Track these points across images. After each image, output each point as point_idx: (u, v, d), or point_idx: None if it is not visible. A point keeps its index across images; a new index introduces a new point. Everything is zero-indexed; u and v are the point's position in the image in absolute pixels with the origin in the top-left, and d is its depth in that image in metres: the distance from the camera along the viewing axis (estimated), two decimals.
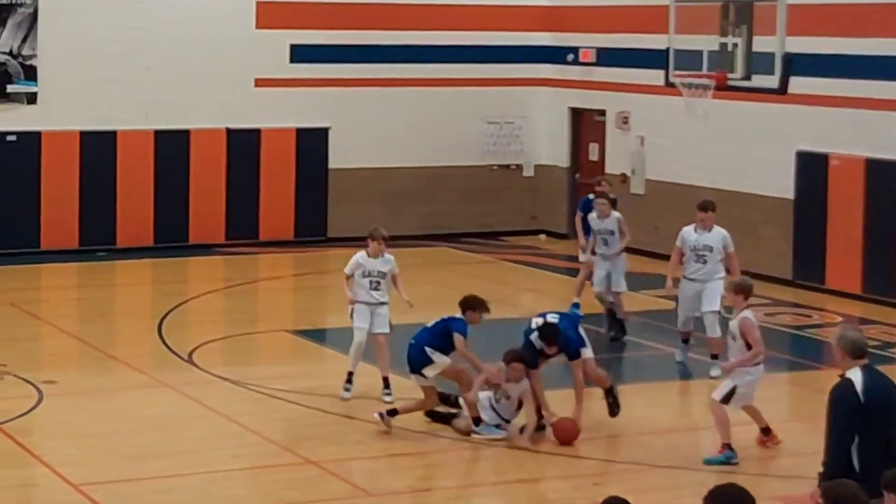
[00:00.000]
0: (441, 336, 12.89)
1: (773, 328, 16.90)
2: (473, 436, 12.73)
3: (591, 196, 17.66)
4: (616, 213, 16.73)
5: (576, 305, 17.32)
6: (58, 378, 14.63)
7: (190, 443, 12.61)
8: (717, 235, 15.19)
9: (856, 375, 8.39)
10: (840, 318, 17.94)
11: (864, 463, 8.30)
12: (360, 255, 14.13)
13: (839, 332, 8.58)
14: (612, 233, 16.59)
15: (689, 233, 15.29)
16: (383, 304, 14.05)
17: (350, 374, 13.94)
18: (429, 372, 12.85)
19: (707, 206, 15.34)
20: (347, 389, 13.92)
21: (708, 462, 12.23)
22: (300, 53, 23.19)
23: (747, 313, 12.52)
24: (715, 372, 14.69)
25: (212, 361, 15.42)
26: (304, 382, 14.53)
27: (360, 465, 12.18)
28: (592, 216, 16.83)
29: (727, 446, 12.29)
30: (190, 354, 15.66)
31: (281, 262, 22.02)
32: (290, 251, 22.56)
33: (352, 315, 14.03)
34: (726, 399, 12.36)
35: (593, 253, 16.85)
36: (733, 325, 12.54)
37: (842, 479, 7.47)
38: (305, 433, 12.88)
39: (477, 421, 12.81)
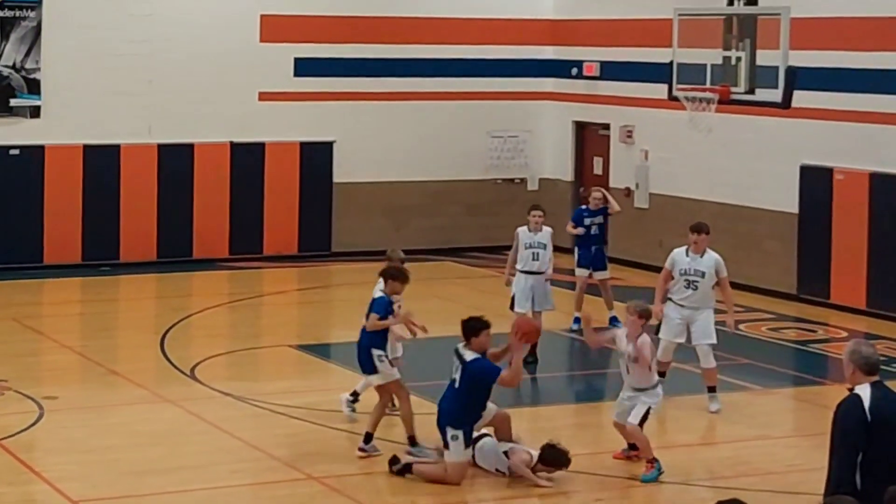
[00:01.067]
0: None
1: (778, 343, 16.81)
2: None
3: (583, 207, 17.94)
4: (548, 228, 16.30)
5: (576, 320, 17.21)
6: (59, 393, 14.55)
7: (191, 458, 12.50)
8: (710, 260, 14.27)
9: (864, 392, 8.23)
10: (845, 333, 17.85)
11: (867, 482, 8.15)
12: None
13: (851, 347, 8.41)
14: (544, 247, 16.18)
15: (680, 255, 14.36)
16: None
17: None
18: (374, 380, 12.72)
19: (700, 228, 14.42)
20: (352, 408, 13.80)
21: (646, 480, 12.10)
22: (304, 67, 23.15)
23: (646, 337, 12.39)
24: (714, 406, 14.28)
25: (214, 376, 15.34)
26: (306, 398, 14.44)
27: (361, 482, 12.06)
28: (523, 228, 16.37)
29: (654, 460, 12.23)
30: (192, 369, 15.57)
31: (285, 277, 21.96)
32: (295, 265, 22.49)
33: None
34: (642, 421, 12.33)
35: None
36: (630, 348, 12.28)
37: (841, 496, 7.36)
38: (307, 449, 12.78)
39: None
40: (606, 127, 23.62)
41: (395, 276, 13.13)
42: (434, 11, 23.90)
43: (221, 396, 14.54)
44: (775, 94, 19.55)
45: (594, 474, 12.36)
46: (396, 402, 13.00)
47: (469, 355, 12.06)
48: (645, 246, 20.28)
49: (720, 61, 20.59)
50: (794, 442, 13.69)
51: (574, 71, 24.19)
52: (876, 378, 8.23)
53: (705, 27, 20.97)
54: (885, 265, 18.66)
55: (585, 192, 18.65)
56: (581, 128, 24.31)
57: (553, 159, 24.53)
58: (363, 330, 12.95)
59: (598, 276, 17.85)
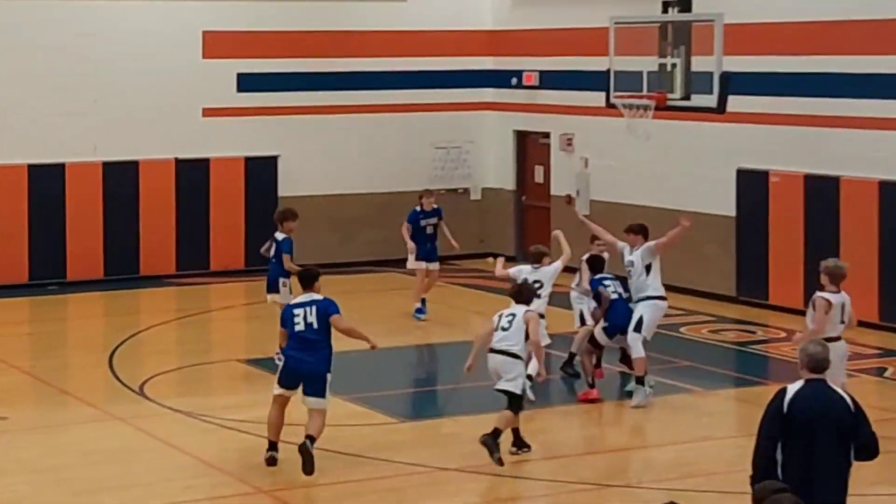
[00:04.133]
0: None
1: (718, 345, 16.94)
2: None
3: (418, 209, 19.39)
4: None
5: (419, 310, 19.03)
6: (8, 414, 14.46)
7: (142, 476, 12.48)
8: (639, 251, 14.91)
9: (794, 387, 8.45)
10: (783, 334, 18.01)
11: (786, 474, 8.37)
12: None
13: (802, 345, 8.67)
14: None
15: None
16: None
17: None
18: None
19: (630, 229, 15.21)
20: None
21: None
22: (247, 83, 23.14)
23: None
24: (636, 399, 14.64)
25: (164, 393, 15.30)
26: (256, 412, 14.31)
27: (312, 493, 12.09)
28: None
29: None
30: (141, 386, 15.53)
31: (232, 292, 21.90)
32: (242, 280, 22.41)
33: None
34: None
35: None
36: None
37: (766, 482, 7.50)
38: (258, 462, 12.71)
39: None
40: (547, 135, 23.74)
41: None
42: (375, 25, 23.94)
43: (171, 413, 14.51)
44: (710, 100, 19.69)
45: (539, 480, 12.44)
46: None
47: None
48: (586, 251, 20.26)
49: (656, 68, 20.75)
50: (737, 442, 13.73)
51: (514, 81, 24.30)
52: (817, 376, 8.38)
53: (641, 35, 21.11)
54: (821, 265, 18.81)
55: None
56: (522, 137, 24.42)
57: (495, 169, 24.63)
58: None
59: (431, 266, 19.37)
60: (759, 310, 19.53)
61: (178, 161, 22.64)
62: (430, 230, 19.45)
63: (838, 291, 12.98)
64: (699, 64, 20.05)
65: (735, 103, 19.60)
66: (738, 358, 17.16)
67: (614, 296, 15.01)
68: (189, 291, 21.76)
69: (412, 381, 16.83)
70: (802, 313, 18.71)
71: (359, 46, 23.78)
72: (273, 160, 23.26)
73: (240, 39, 23.10)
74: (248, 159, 23.10)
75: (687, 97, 20.26)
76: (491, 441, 12.49)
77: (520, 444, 12.94)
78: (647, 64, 20.73)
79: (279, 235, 16.52)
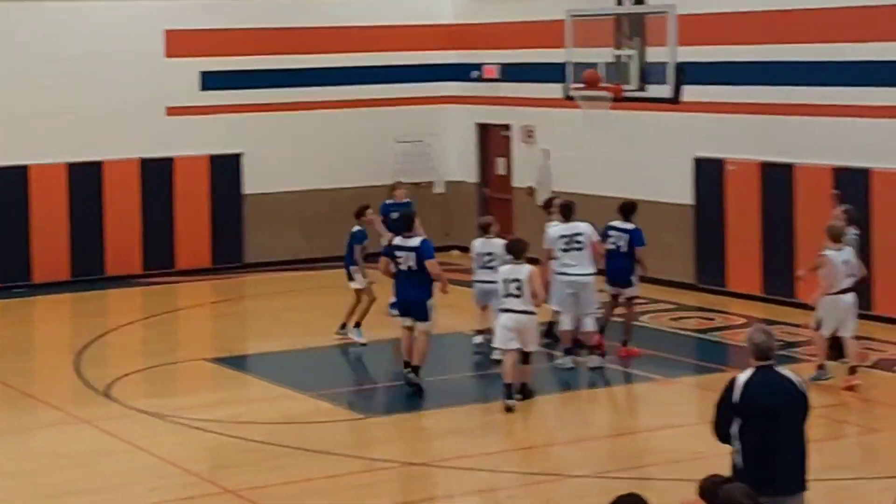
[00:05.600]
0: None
1: (679, 333, 16.95)
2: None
3: (388, 201, 19.00)
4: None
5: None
6: None
7: (109, 478, 12.33)
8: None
9: (744, 375, 8.52)
10: (743, 320, 18.01)
11: (744, 460, 8.46)
12: None
13: (749, 333, 8.70)
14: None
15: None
16: None
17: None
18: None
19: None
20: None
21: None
22: (210, 81, 22.97)
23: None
24: (593, 363, 15.51)
25: (131, 394, 15.13)
26: (223, 411, 14.35)
27: (278, 491, 11.96)
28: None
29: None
30: (108, 388, 15.37)
31: (199, 291, 21.72)
32: (208, 279, 22.26)
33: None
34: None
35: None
36: None
37: (712, 476, 7.48)
38: (224, 462, 12.71)
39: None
40: (508, 128, 23.68)
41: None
42: (336, 21, 23.82)
43: (138, 414, 14.35)
44: (666, 90, 19.73)
45: (505, 472, 12.40)
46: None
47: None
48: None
49: (612, 60, 20.75)
50: (698, 430, 13.69)
51: (475, 74, 24.22)
52: (765, 363, 8.39)
53: (597, 27, 21.11)
54: (777, 252, 18.86)
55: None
56: (484, 130, 24.35)
57: (458, 162, 24.56)
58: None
59: None
60: (717, 297, 19.53)
61: (142, 161, 22.45)
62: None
63: (840, 249, 14.44)
64: (654, 55, 20.09)
65: (690, 93, 19.63)
66: (699, 345, 17.15)
67: (611, 247, 15.92)
68: (156, 291, 21.59)
69: (380, 376, 16.71)
70: (760, 299, 18.95)
71: (321, 43, 23.66)
72: (237, 158, 23.10)
73: (203, 38, 22.93)
74: (212, 157, 22.94)
75: (643, 88, 20.29)
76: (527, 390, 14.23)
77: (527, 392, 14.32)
78: (603, 56, 20.74)
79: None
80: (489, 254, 15.99)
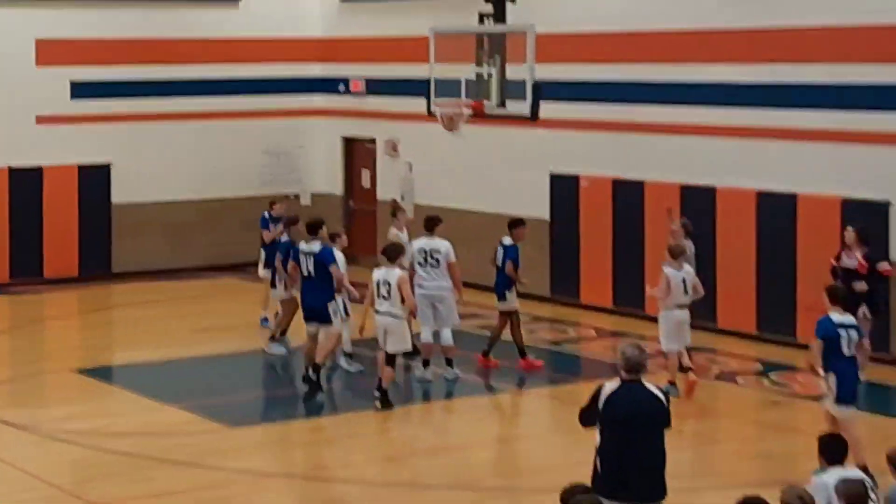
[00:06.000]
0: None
1: (533, 345, 17.25)
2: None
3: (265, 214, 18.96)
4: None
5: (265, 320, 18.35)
6: None
7: None
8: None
9: (610, 386, 9.06)
10: (594, 332, 18.51)
11: (602, 465, 8.99)
12: None
13: (621, 347, 9.32)
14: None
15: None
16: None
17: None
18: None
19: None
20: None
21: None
22: (81, 90, 22.92)
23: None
24: (450, 374, 15.78)
25: None
26: (89, 422, 14.31)
27: None
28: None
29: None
30: None
31: (66, 300, 21.62)
32: (76, 288, 22.18)
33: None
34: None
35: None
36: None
37: (572, 484, 7.96)
38: (90, 474, 12.70)
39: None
40: (373, 141, 24.01)
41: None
42: (207, 33, 23.89)
43: (2, 426, 14.24)
44: (524, 107, 20.16)
45: (356, 483, 12.64)
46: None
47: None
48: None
49: (474, 76, 21.16)
50: (551, 440, 14.20)
51: (341, 87, 24.50)
52: (632, 376, 8.99)
53: (459, 44, 21.44)
54: (628, 265, 19.34)
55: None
56: (350, 143, 24.64)
57: (324, 174, 24.80)
58: None
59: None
60: (571, 309, 19.92)
61: (10, 169, 22.36)
62: (283, 237, 18.37)
63: (680, 268, 14.81)
64: (514, 73, 20.50)
65: (548, 110, 20.10)
66: (552, 357, 17.42)
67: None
68: (22, 300, 21.43)
69: (247, 386, 16.76)
70: (611, 311, 19.47)
71: (191, 53, 23.73)
72: (106, 168, 23.10)
73: (73, 47, 22.86)
74: (81, 167, 22.91)
75: (502, 104, 20.70)
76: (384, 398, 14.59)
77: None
78: (465, 72, 21.12)
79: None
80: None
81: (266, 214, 19.19)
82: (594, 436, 9.09)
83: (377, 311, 14.68)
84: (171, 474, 12.70)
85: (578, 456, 9.06)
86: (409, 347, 15.09)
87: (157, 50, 23.47)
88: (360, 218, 24.07)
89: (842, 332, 11.97)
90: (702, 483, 12.27)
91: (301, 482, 12.77)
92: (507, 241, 16.43)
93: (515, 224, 16.55)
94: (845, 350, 11.99)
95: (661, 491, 9.07)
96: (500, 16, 21.40)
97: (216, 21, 23.97)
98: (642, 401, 8.98)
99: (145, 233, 23.26)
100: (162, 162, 23.51)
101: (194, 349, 17.66)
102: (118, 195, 23.11)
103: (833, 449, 8.94)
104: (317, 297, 15.15)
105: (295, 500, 12.35)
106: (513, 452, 13.76)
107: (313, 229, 15.69)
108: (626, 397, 8.97)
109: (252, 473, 12.80)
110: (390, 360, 14.70)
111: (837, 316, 12.08)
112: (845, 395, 11.99)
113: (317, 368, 15.17)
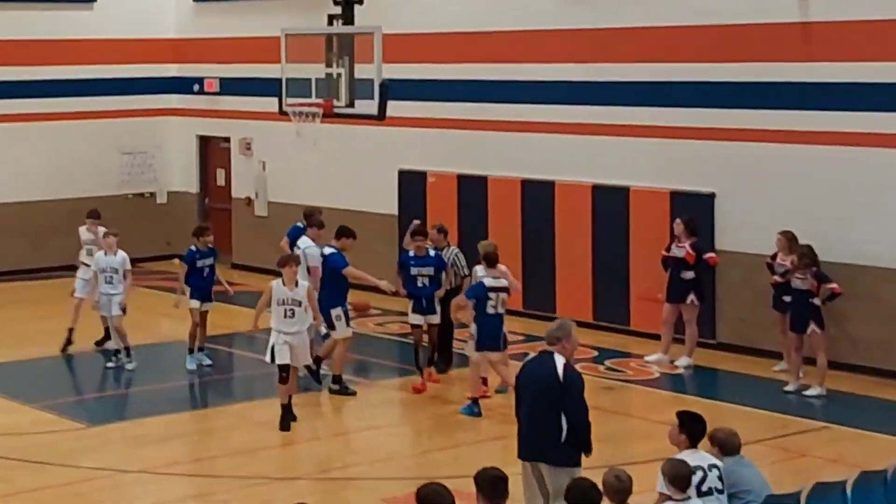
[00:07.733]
0: None
1: (382, 337, 17.38)
2: None
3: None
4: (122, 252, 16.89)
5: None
6: None
7: None
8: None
9: (529, 357, 10.18)
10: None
11: (517, 429, 9.97)
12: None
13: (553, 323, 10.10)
14: (116, 271, 16.78)
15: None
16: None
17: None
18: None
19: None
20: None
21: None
22: None
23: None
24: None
25: None
26: None
27: None
28: (100, 254, 16.99)
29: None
30: None
31: None
32: None
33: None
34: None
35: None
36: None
37: (487, 468, 8.07)
38: None
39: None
40: (227, 140, 24.00)
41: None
42: (61, 33, 23.64)
43: None
44: (372, 106, 20.33)
45: (219, 476, 12.71)
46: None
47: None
48: (266, 252, 20.74)
49: (324, 76, 21.28)
50: (398, 430, 14.46)
51: (196, 87, 24.44)
52: (546, 348, 9.82)
53: (309, 45, 21.50)
54: (470, 258, 19.62)
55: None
56: (205, 141, 24.59)
57: (180, 172, 24.73)
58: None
59: (206, 306, 17.05)
60: None
61: None
62: (206, 272, 17.08)
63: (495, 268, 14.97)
64: (362, 72, 20.66)
65: (395, 109, 20.28)
66: (401, 349, 17.57)
67: None
68: None
69: (104, 385, 16.65)
70: None
71: (46, 55, 23.45)
72: None
73: None
74: None
75: (351, 104, 20.82)
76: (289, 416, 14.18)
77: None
78: (315, 72, 21.23)
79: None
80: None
81: (193, 248, 17.49)
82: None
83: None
84: (28, 474, 12.62)
85: (425, 445, 9.28)
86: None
87: (12, 51, 23.19)
88: (215, 215, 24.04)
89: None
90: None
91: (155, 477, 12.73)
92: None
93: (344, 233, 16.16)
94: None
95: (556, 455, 9.61)
96: (348, 17, 21.52)
97: (71, 22, 23.73)
98: (541, 369, 9.72)
99: (3, 234, 22.97)
100: (17, 163, 23.25)
101: (54, 349, 17.55)
102: None
103: (693, 430, 9.17)
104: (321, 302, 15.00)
105: (149, 496, 12.35)
106: (359, 443, 13.82)
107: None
108: (532, 365, 9.90)
109: (107, 471, 12.78)
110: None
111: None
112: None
113: (337, 379, 15.49)
